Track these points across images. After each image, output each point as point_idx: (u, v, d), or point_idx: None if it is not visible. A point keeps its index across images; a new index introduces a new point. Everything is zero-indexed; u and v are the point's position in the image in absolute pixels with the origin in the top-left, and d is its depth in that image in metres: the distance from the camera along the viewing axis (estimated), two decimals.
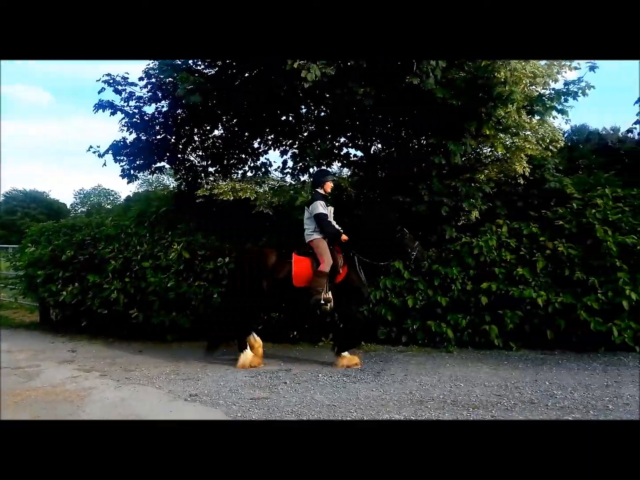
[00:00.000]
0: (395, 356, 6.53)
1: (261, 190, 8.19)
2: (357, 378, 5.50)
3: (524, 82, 6.33)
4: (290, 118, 7.95)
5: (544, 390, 4.88)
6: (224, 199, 7.32)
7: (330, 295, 5.87)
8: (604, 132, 16.08)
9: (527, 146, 6.98)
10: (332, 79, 6.13)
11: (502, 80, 6.07)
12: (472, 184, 7.06)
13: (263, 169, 8.61)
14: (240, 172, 8.75)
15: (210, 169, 8.82)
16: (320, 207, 5.93)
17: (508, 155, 7.13)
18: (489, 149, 7.51)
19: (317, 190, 6.16)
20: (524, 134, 7.11)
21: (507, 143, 7.15)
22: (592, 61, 6.59)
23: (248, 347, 6.19)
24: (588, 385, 5.05)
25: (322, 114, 7.81)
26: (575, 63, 6.80)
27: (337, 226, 6.13)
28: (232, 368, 6.06)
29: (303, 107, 7.75)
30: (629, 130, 9.58)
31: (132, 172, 8.48)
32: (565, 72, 6.89)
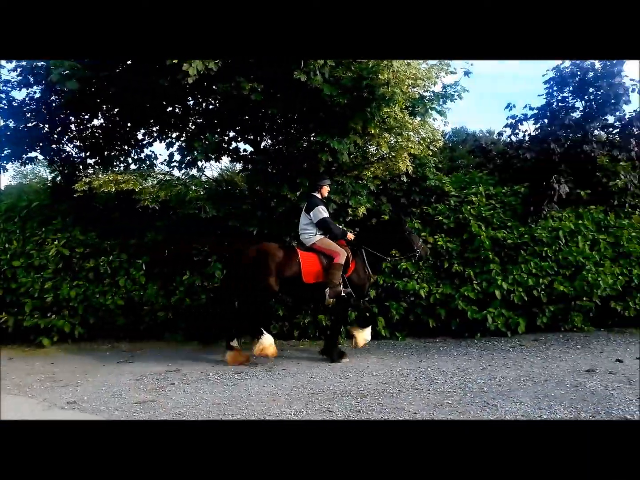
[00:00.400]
0: (287, 351, 6.56)
1: (149, 184, 7.84)
2: (249, 375, 5.45)
3: (406, 83, 6.60)
4: (177, 110, 7.64)
5: (426, 377, 5.15)
6: (105, 190, 6.89)
7: (349, 288, 5.85)
8: (480, 134, 17.35)
9: (410, 145, 7.29)
10: (219, 72, 6.00)
11: (385, 81, 6.27)
12: (359, 182, 7.28)
13: (148, 162, 8.19)
14: (122, 164, 8.26)
15: (89, 161, 8.24)
16: (323, 211, 5.95)
17: (392, 154, 7.41)
18: (375, 148, 7.75)
19: (315, 194, 6.12)
20: (407, 134, 7.41)
21: (392, 142, 7.42)
22: (466, 67, 7.05)
23: (265, 333, 5.90)
24: (466, 369, 5.41)
25: (211, 106, 7.60)
26: (452, 68, 7.23)
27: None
28: (116, 371, 5.74)
29: (190, 98, 7.48)
30: (500, 134, 10.34)
31: None
32: (444, 76, 7.29)
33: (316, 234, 5.98)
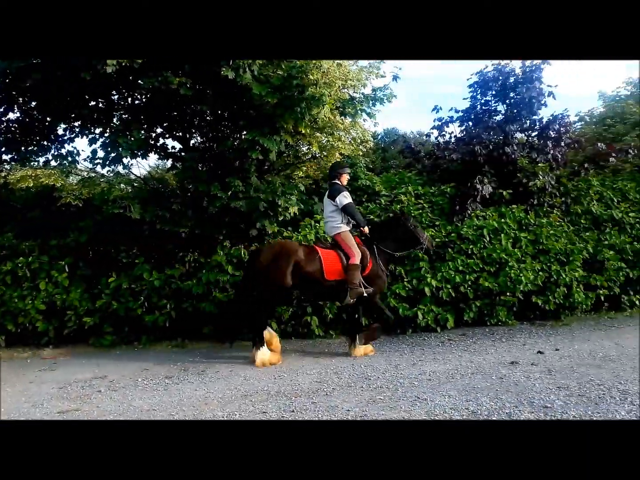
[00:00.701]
0: (221, 352, 6.45)
1: (73, 181, 7.45)
2: (180, 379, 5.30)
3: (336, 84, 6.65)
4: (100, 104, 7.30)
5: (359, 374, 5.20)
6: (23, 186, 6.49)
7: (370, 288, 5.84)
8: (411, 135, 17.84)
9: (341, 145, 7.39)
10: (144, 66, 5.80)
11: (314, 81, 6.29)
12: (290, 181, 7.27)
13: (70, 158, 7.76)
14: (42, 160, 7.79)
15: (5, 157, 7.73)
16: (348, 197, 5.97)
17: (324, 153, 7.47)
18: (307, 147, 7.78)
19: (336, 182, 6.09)
20: (338, 134, 7.50)
21: (323, 142, 7.48)
22: (395, 72, 7.20)
23: (265, 343, 5.79)
24: (397, 365, 5.51)
25: (137, 101, 7.32)
26: (381, 71, 7.36)
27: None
28: (38, 380, 5.42)
29: (114, 92, 7.17)
30: (427, 135, 10.64)
31: None
32: (374, 78, 7.42)
33: (342, 221, 5.97)
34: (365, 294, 5.81)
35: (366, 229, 6.18)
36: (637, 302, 8.27)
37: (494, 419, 3.78)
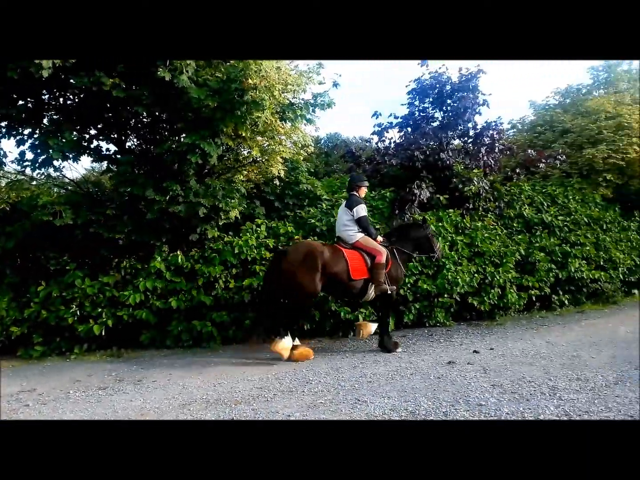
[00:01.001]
0: (158, 361, 6.26)
1: (1, 185, 7.04)
2: (115, 389, 5.10)
3: (276, 88, 6.62)
4: (29, 104, 6.94)
5: (301, 378, 5.18)
6: None
7: (394, 285, 6.16)
8: (353, 140, 18.08)
9: (282, 150, 7.35)
10: (76, 65, 5.57)
11: (254, 86, 6.24)
12: (231, 184, 7.19)
13: None
14: None
15: None
16: (364, 210, 6.23)
17: (265, 157, 7.42)
18: (247, 151, 7.71)
19: (354, 193, 6.34)
20: (279, 138, 7.46)
21: (264, 146, 7.42)
22: (335, 79, 7.23)
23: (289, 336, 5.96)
24: (339, 368, 5.53)
25: (69, 101, 7.02)
26: (320, 77, 7.38)
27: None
28: None
29: (44, 92, 6.84)
30: (367, 140, 10.83)
31: None
32: (314, 83, 7.42)
33: (358, 231, 6.19)
34: (389, 292, 6.05)
35: (380, 239, 6.35)
36: (566, 302, 8.69)
37: (432, 418, 3.84)
